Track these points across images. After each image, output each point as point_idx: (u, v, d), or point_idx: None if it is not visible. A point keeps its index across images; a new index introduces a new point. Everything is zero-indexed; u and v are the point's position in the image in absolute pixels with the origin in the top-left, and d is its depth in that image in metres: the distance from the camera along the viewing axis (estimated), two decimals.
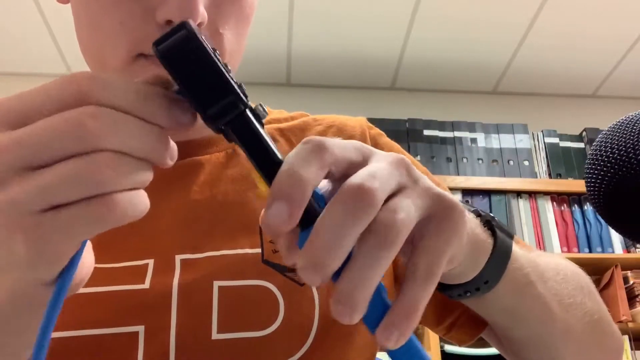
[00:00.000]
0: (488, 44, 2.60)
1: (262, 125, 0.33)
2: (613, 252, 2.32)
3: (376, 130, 0.66)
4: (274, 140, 0.58)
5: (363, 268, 0.30)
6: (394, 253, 0.30)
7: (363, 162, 0.33)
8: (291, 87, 2.84)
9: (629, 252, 2.33)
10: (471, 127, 2.55)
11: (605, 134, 0.53)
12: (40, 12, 2.36)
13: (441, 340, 2.02)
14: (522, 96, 2.93)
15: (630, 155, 0.49)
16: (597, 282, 2.30)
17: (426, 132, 2.51)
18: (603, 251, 2.31)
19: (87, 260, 0.35)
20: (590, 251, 2.31)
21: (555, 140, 2.58)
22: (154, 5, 0.47)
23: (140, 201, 0.31)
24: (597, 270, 2.30)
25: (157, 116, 0.31)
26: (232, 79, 0.32)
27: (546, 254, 0.56)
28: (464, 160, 2.47)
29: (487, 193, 2.36)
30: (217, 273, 0.49)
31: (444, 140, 2.51)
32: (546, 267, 0.52)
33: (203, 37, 0.32)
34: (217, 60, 0.31)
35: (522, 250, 0.50)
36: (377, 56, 2.67)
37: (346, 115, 0.66)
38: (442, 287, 0.46)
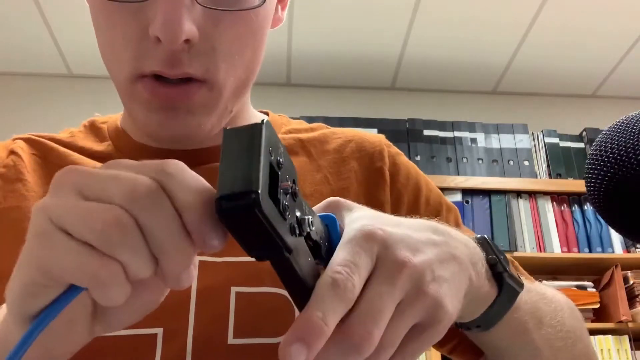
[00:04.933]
0: (488, 44, 2.60)
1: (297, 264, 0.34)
2: (613, 252, 2.31)
3: (395, 150, 0.66)
4: (294, 152, 0.61)
5: None
6: None
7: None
8: (291, 87, 2.84)
9: (629, 252, 2.33)
10: (471, 127, 2.55)
11: (605, 134, 0.52)
12: (40, 12, 2.36)
13: None
14: (522, 96, 2.93)
15: (630, 155, 0.49)
16: (597, 282, 2.29)
17: (426, 132, 2.51)
18: (603, 251, 2.31)
19: (80, 339, 0.35)
20: (590, 251, 2.30)
21: (555, 140, 2.58)
22: (148, 21, 0.48)
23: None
24: (597, 270, 2.30)
25: (202, 235, 0.33)
26: (286, 224, 0.33)
27: (545, 287, 0.57)
28: (464, 160, 2.47)
29: (487, 193, 2.36)
30: (234, 279, 0.50)
31: (444, 140, 2.51)
32: (546, 309, 0.53)
33: (267, 203, 0.31)
34: (273, 228, 0.31)
35: (527, 294, 0.50)
36: (377, 56, 2.67)
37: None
38: None
